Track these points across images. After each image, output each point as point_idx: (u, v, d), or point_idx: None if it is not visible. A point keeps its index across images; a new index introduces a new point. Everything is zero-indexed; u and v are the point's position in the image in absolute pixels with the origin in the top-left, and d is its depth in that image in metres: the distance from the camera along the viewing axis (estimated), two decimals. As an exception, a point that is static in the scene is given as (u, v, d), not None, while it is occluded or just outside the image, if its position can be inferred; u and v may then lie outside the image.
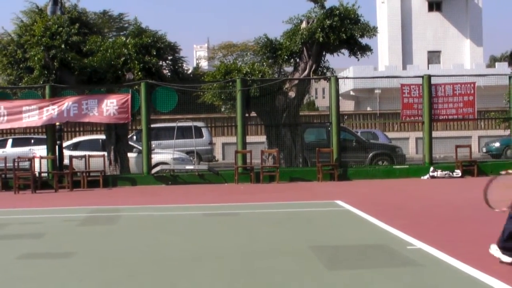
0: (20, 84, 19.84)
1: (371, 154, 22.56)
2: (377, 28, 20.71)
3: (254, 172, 18.98)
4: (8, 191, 18.21)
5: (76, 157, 19.49)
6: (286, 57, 20.57)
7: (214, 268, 6.89)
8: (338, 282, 6.19)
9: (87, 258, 7.71)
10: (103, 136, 21.10)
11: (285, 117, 20.15)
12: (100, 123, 20.10)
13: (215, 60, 60.20)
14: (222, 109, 23.92)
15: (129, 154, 20.49)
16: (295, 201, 13.85)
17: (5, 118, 18.93)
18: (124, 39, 20.36)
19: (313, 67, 20.26)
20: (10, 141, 22.86)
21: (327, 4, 20.29)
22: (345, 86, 41.53)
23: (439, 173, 19.37)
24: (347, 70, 50.46)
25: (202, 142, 25.41)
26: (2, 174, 18.85)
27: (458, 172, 19.37)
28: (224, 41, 74.08)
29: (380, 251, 7.59)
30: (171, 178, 19.38)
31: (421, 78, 20.08)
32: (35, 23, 20.11)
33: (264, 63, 21.28)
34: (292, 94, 20.34)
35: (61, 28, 19.34)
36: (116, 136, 19.92)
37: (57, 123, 19.39)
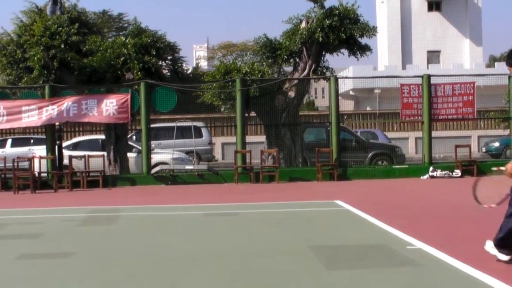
0: (19, 84, 19.84)
1: (370, 154, 22.56)
2: (376, 28, 20.73)
3: (254, 172, 18.98)
4: (8, 191, 18.22)
5: (76, 157, 19.49)
6: (286, 57, 20.58)
7: (214, 268, 6.89)
8: (337, 282, 6.18)
9: (86, 258, 7.71)
10: (102, 136, 21.10)
11: (284, 117, 20.16)
12: (100, 123, 20.11)
13: (215, 60, 60.23)
14: (222, 109, 23.95)
15: (129, 154, 20.50)
16: (295, 201, 13.85)
17: (5, 118, 18.93)
18: (124, 39, 20.37)
19: (313, 67, 20.27)
20: (9, 141, 22.86)
21: (327, 4, 20.35)
22: (345, 86, 41.48)
23: (438, 173, 19.37)
24: (347, 70, 50.46)
25: (201, 142, 25.42)
26: (1, 174, 18.86)
27: (457, 172, 19.38)
28: (223, 41, 74.18)
29: (380, 251, 7.59)
30: (170, 178, 19.38)
31: (420, 78, 20.09)
32: (35, 23, 20.11)
33: (264, 63, 21.29)
34: (291, 94, 20.35)
35: (60, 28, 19.34)
36: (115, 136, 19.92)
37: (57, 123, 19.40)
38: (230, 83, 19.64)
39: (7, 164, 18.88)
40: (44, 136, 19.92)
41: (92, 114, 18.89)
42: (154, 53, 19.77)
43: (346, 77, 29.41)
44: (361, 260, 7.11)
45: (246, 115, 20.15)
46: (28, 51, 19.42)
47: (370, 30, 20.14)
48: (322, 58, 20.80)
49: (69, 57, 19.11)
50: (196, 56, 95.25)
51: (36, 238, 9.37)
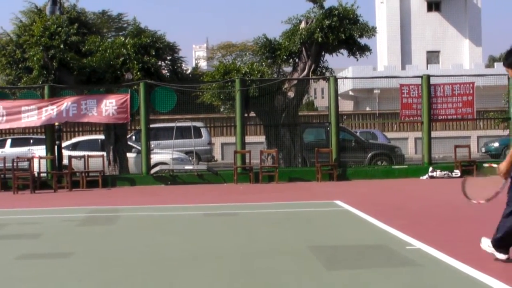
0: (19, 84, 19.84)
1: (370, 154, 22.57)
2: (376, 28, 20.73)
3: (253, 172, 18.98)
4: (7, 191, 18.21)
5: (75, 157, 19.49)
6: (285, 57, 20.58)
7: (213, 268, 6.89)
8: (337, 282, 6.19)
9: (86, 258, 7.71)
10: (102, 136, 21.09)
11: (284, 117, 20.15)
12: (99, 123, 20.12)
13: (214, 60, 60.23)
14: (221, 109, 23.91)
15: (128, 154, 20.49)
16: (294, 201, 13.85)
17: (4, 118, 18.93)
18: (123, 39, 20.37)
19: (312, 67, 20.27)
20: (9, 141, 22.84)
21: (326, 4, 20.39)
22: (344, 86, 41.52)
23: (438, 173, 19.37)
24: (346, 70, 50.48)
25: (201, 142, 25.41)
26: (1, 174, 18.86)
27: (457, 172, 19.38)
28: (223, 41, 74.12)
29: (379, 251, 7.59)
30: (170, 178, 19.38)
31: (420, 78, 20.09)
32: (34, 23, 20.12)
33: (263, 63, 21.29)
34: (291, 94, 20.35)
35: (60, 28, 19.34)
36: (115, 136, 19.92)
37: (56, 123, 19.39)
38: (229, 83, 19.64)
39: (6, 164, 18.88)
40: (44, 136, 19.91)
41: (92, 114, 18.89)
42: (154, 53, 19.77)
43: (346, 78, 29.45)
44: (361, 260, 7.11)
45: (246, 115, 20.15)
46: (27, 51, 19.42)
47: (370, 31, 20.15)
48: (322, 58, 20.80)
49: (69, 57, 19.11)
50: (195, 56, 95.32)
51: (36, 238, 9.37)
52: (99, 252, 8.10)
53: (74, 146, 21.91)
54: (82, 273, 6.84)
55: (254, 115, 21.32)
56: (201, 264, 7.14)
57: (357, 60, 21.13)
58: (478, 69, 44.27)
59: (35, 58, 18.91)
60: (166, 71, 21.47)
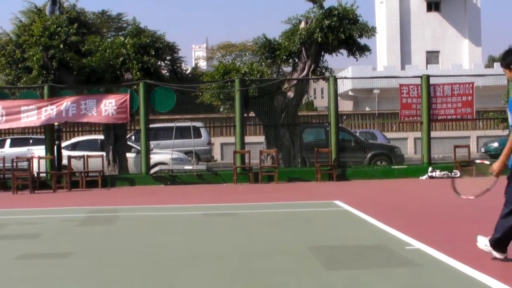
0: (18, 84, 19.84)
1: (369, 154, 22.58)
2: (375, 28, 20.74)
3: (253, 172, 18.99)
4: (7, 191, 18.21)
5: (75, 157, 19.48)
6: (285, 57, 20.58)
7: (213, 268, 6.89)
8: (336, 282, 6.18)
9: (85, 258, 7.71)
10: (101, 136, 21.09)
11: (283, 117, 20.16)
12: (99, 123, 20.12)
13: (214, 60, 60.22)
14: (221, 109, 23.92)
15: (128, 154, 20.49)
16: (294, 201, 13.85)
17: (4, 118, 18.93)
18: (123, 39, 20.37)
19: (312, 67, 20.28)
20: (8, 141, 22.83)
21: (326, 4, 20.39)
22: (344, 86, 41.59)
23: (437, 173, 19.38)
24: (346, 70, 50.50)
25: (200, 142, 25.40)
26: (0, 174, 18.87)
27: (456, 172, 19.38)
28: (222, 41, 74.16)
29: (379, 251, 7.59)
30: (169, 178, 19.38)
31: (419, 78, 20.09)
32: (34, 23, 20.12)
33: (263, 63, 21.29)
34: (290, 94, 20.35)
35: (59, 28, 19.34)
36: (114, 136, 19.92)
37: (56, 123, 19.38)
38: (229, 83, 19.64)
39: (6, 164, 18.89)
40: (43, 136, 19.91)
41: (91, 114, 18.89)
42: (153, 53, 19.78)
43: (345, 78, 29.51)
44: (360, 260, 7.11)
45: (245, 115, 20.15)
46: (27, 51, 19.42)
47: (369, 31, 20.16)
48: (321, 58, 20.81)
49: (68, 57, 19.11)
50: (195, 56, 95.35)
51: (35, 238, 9.37)
52: (98, 252, 8.10)
53: (74, 146, 21.90)
54: (82, 273, 6.84)
55: (253, 115, 21.32)
56: (201, 264, 7.14)
57: (357, 60, 21.18)
58: (478, 69, 44.30)
59: (34, 58, 18.91)
60: (166, 71, 21.48)
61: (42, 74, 19.02)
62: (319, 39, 19.61)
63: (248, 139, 20.27)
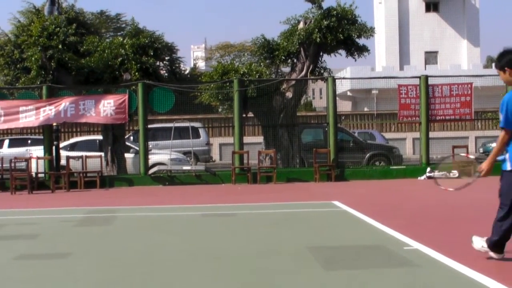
0: (17, 84, 19.84)
1: (368, 155, 22.58)
2: (374, 28, 20.74)
3: (251, 172, 18.98)
4: (5, 191, 18.20)
5: (73, 157, 19.47)
6: (284, 58, 20.58)
7: (212, 268, 6.89)
8: (335, 282, 6.19)
9: (83, 258, 7.70)
10: (100, 137, 21.08)
11: (282, 117, 20.16)
12: (97, 124, 20.12)
13: (213, 60, 60.21)
14: (219, 110, 23.94)
15: (126, 155, 20.47)
16: (292, 202, 13.85)
17: (2, 118, 18.92)
18: (121, 39, 20.37)
19: (310, 67, 20.28)
20: (7, 142, 22.83)
21: (325, 5, 20.36)
22: (342, 86, 41.57)
23: (436, 173, 19.36)
24: (344, 70, 50.49)
25: (199, 143, 25.40)
26: (-1, 174, 18.85)
27: (455, 173, 19.37)
28: (221, 41, 74.15)
29: (377, 251, 7.60)
30: (168, 178, 19.38)
31: (418, 79, 20.09)
32: (32, 23, 20.11)
33: (262, 64, 21.29)
34: (289, 94, 20.35)
35: (58, 29, 19.32)
36: (113, 137, 19.91)
37: (54, 124, 19.36)
38: (227, 84, 19.64)
39: (4, 165, 18.88)
40: (42, 137, 19.90)
41: (90, 114, 18.88)
42: (152, 54, 19.77)
43: (344, 78, 29.49)
44: (359, 260, 7.12)
45: (244, 115, 20.15)
46: (25, 51, 19.41)
47: (368, 31, 20.17)
48: (320, 59, 20.81)
49: (67, 57, 19.10)
50: (193, 56, 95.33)
51: (33, 238, 9.36)
52: (97, 253, 8.10)
53: (72, 147, 21.89)
54: (80, 274, 6.84)
55: (252, 115, 21.32)
56: (199, 264, 7.14)
57: (355, 60, 21.19)
58: (476, 69, 44.28)
59: (33, 58, 18.89)
60: (164, 71, 21.48)
61: (41, 75, 19.01)
62: (318, 39, 19.61)
63: (246, 139, 20.28)
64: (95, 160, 19.25)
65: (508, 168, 6.52)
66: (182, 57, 22.47)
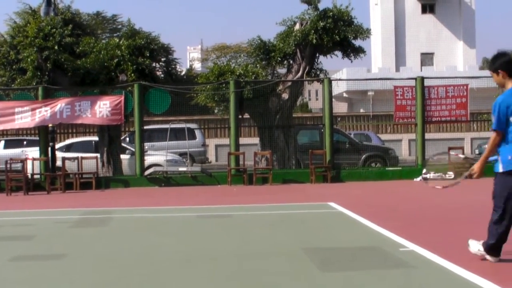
0: (13, 85, 19.78)
1: (364, 156, 22.58)
2: (370, 30, 20.76)
3: (247, 173, 18.97)
4: (0, 193, 18.13)
5: (69, 158, 19.44)
6: (280, 59, 20.58)
7: (208, 269, 6.89)
8: (330, 283, 6.19)
9: (79, 260, 7.69)
10: (96, 138, 21.04)
11: (278, 118, 20.16)
12: (93, 125, 20.08)
13: (209, 61, 60.15)
14: (215, 111, 23.91)
15: (122, 156, 20.45)
16: (288, 203, 13.86)
17: (-2, 119, 18.86)
18: (118, 40, 20.34)
19: (307, 68, 20.28)
20: (2, 143, 22.78)
21: (321, 6, 20.35)
22: (338, 88, 41.35)
23: (431, 175, 19.35)
24: (340, 72, 50.54)
25: (195, 144, 25.40)
26: (-6, 175, 18.79)
27: (450, 174, 19.37)
28: (217, 42, 74.17)
29: (373, 253, 7.60)
30: (164, 179, 19.36)
31: (414, 80, 20.10)
32: (28, 24, 20.07)
33: (258, 65, 21.28)
34: (285, 95, 20.35)
35: (54, 29, 19.29)
36: (109, 138, 19.87)
37: (50, 125, 19.32)
38: (223, 85, 19.64)
39: (0, 166, 18.82)
40: (37, 138, 19.85)
41: (86, 115, 18.85)
42: (148, 55, 19.76)
43: (340, 79, 29.48)
44: (354, 262, 7.12)
45: (240, 117, 20.14)
46: (21, 52, 19.36)
47: (364, 32, 20.18)
48: (316, 60, 20.81)
49: (63, 58, 19.07)
50: (190, 57, 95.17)
51: (29, 240, 9.35)
52: (92, 254, 8.09)
53: (68, 148, 21.86)
54: (76, 275, 6.83)
55: (248, 116, 21.31)
56: (195, 265, 7.14)
57: (351, 61, 21.20)
58: (472, 71, 44.34)
59: (29, 59, 18.85)
60: (161, 72, 21.47)
61: (37, 76, 18.97)
62: (314, 40, 19.62)
63: (242, 140, 20.26)
64: (91, 161, 19.24)
65: (500, 170, 6.55)
66: (178, 58, 22.56)
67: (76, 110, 18.81)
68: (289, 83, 20.34)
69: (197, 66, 68.79)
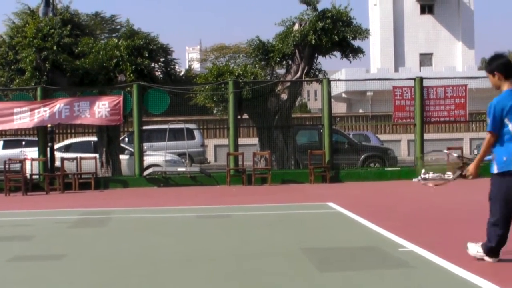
0: (11, 85, 19.78)
1: (363, 156, 22.58)
2: (369, 30, 20.76)
3: (246, 174, 18.97)
4: (-1, 193, 18.15)
5: (68, 159, 19.43)
6: (279, 59, 20.58)
7: (207, 270, 6.89)
8: (329, 284, 6.19)
9: (78, 260, 7.69)
10: (94, 138, 21.04)
11: (277, 119, 20.16)
12: (92, 125, 20.07)
13: (208, 62, 60.16)
14: (214, 111, 23.90)
15: (121, 156, 20.43)
16: (287, 203, 13.86)
17: (-3, 119, 18.86)
18: (116, 41, 20.34)
19: (305, 69, 20.28)
20: (1, 143, 22.77)
21: (320, 7, 20.37)
22: (337, 88, 41.34)
23: (430, 175, 19.35)
24: (339, 72, 50.55)
25: (194, 144, 25.39)
26: (-7, 176, 18.78)
27: (449, 174, 19.36)
28: (216, 43, 74.15)
29: (372, 253, 7.60)
30: (163, 180, 19.35)
31: (413, 81, 20.10)
32: (27, 25, 20.07)
33: (257, 65, 21.28)
34: (284, 96, 20.35)
35: (53, 30, 19.29)
36: (108, 138, 19.87)
37: (49, 125, 19.31)
38: (222, 85, 19.64)
39: (-2, 166, 18.81)
40: (36, 138, 19.85)
41: (84, 116, 18.84)
42: (147, 55, 19.76)
43: (339, 80, 29.47)
44: (353, 262, 7.12)
45: (239, 117, 20.14)
46: (20, 52, 19.36)
47: (363, 33, 20.19)
48: (315, 61, 20.81)
49: (62, 59, 19.06)
50: (188, 58, 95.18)
51: (28, 240, 9.35)
52: (91, 254, 8.08)
53: (67, 148, 21.85)
54: (74, 275, 6.83)
55: (247, 117, 21.32)
56: (194, 266, 7.14)
57: (350, 62, 21.20)
58: (471, 71, 44.32)
59: (27, 60, 18.85)
60: (159, 73, 21.46)
61: (35, 76, 18.96)
62: (313, 41, 19.62)
63: (241, 141, 20.26)
64: (90, 162, 19.23)
65: (495, 171, 6.56)
66: (177, 59, 22.52)
67: (75, 110, 18.80)
68: (288, 84, 20.35)
69: (196, 66, 68.81)
